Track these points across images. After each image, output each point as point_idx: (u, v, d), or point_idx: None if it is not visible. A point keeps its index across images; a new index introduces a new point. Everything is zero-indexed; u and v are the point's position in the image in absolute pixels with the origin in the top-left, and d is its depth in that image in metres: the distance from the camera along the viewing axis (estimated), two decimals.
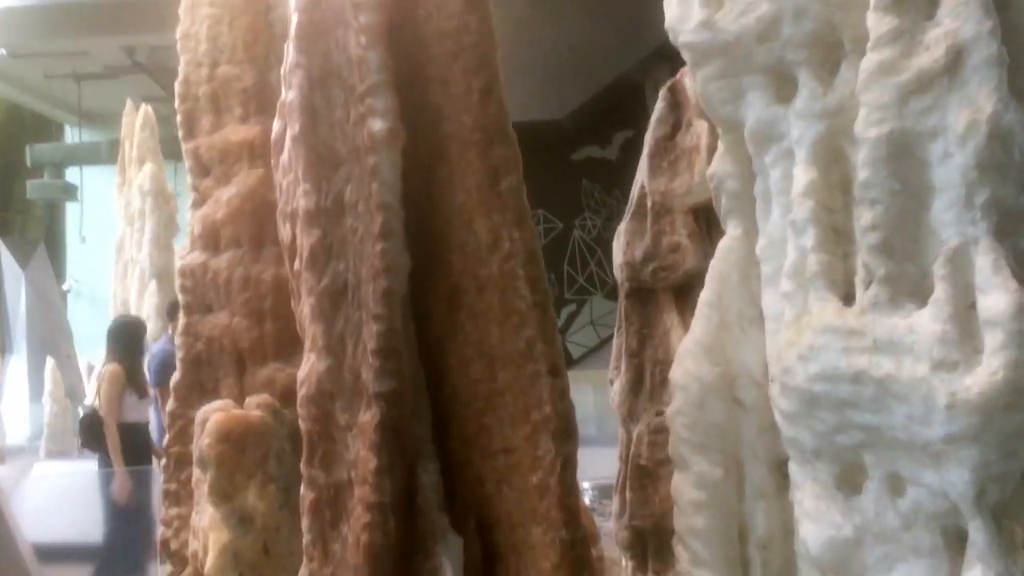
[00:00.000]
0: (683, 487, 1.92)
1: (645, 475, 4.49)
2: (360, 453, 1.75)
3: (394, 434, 1.74)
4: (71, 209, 14.93)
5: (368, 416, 1.75)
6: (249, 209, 3.85)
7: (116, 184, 10.49)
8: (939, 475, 1.62)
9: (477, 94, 1.83)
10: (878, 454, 1.70)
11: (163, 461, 3.97)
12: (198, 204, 4.01)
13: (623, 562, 4.60)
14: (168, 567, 3.90)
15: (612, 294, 10.63)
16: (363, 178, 1.80)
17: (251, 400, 3.56)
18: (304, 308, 1.84)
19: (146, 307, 9.46)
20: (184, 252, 3.96)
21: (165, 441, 3.97)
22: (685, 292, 4.65)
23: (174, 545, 3.88)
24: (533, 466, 1.79)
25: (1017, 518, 1.66)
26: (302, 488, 1.81)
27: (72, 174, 14.17)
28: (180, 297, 3.92)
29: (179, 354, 3.92)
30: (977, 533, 1.59)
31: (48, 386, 9.36)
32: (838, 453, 1.76)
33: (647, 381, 4.63)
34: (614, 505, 4.67)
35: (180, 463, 3.90)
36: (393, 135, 1.77)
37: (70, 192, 13.91)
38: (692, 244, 4.56)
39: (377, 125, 1.77)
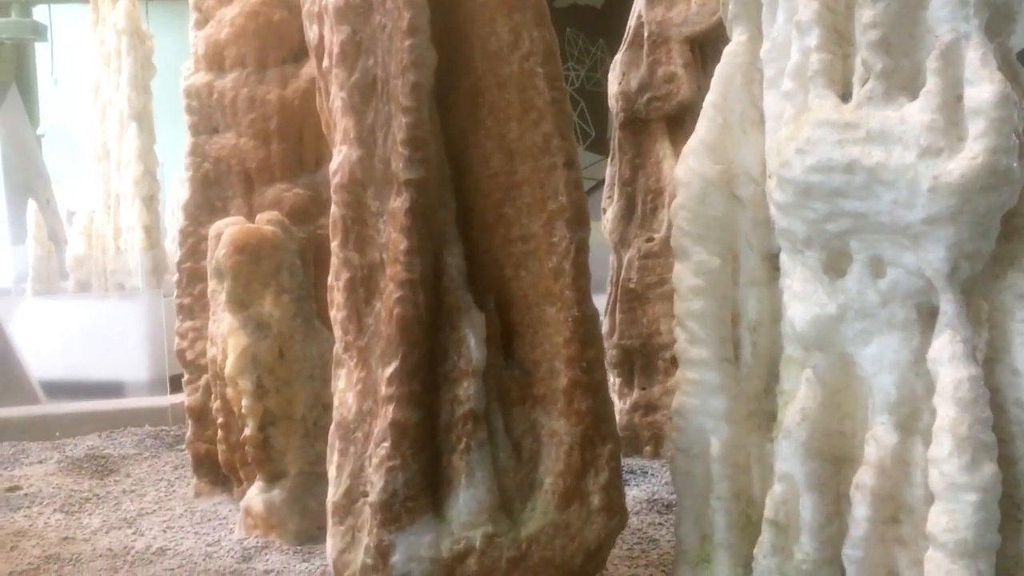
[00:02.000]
0: (683, 274, 2.09)
1: (634, 298, 4.74)
2: (391, 236, 1.90)
3: (422, 218, 1.90)
4: (41, 50, 14.55)
5: (398, 202, 1.89)
6: (252, 29, 3.88)
7: (89, 22, 10.23)
8: (917, 256, 1.80)
9: None
10: (863, 239, 1.88)
11: (175, 277, 4.14)
12: (201, 24, 4.03)
13: (611, 379, 4.89)
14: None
15: (595, 146, 10.67)
16: None
17: (262, 216, 3.70)
18: (335, 103, 1.95)
19: (126, 151, 9.37)
20: (188, 73, 4.01)
21: (178, 258, 4.13)
22: (678, 122, 4.79)
23: (190, 355, 4.10)
24: (549, 251, 1.95)
25: (983, 295, 1.86)
26: (336, 269, 1.98)
27: (40, 13, 13.74)
28: (186, 117, 4.00)
29: (188, 173, 4.04)
30: (948, 305, 1.79)
31: (32, 229, 9.40)
32: (827, 240, 1.93)
33: (639, 208, 4.83)
34: (604, 326, 4.91)
35: (192, 278, 4.07)
36: None
37: (39, 32, 13.52)
38: (687, 74, 4.66)
39: None
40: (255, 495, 3.58)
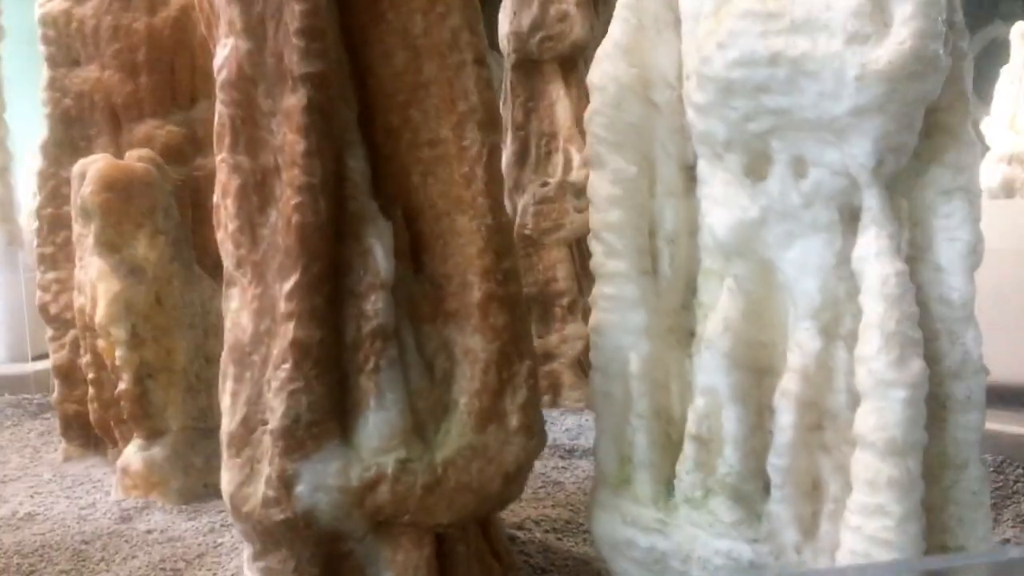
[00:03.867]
0: (599, 184, 1.99)
1: (530, 244, 4.64)
2: (287, 137, 1.73)
3: (321, 117, 1.73)
4: None
5: (294, 99, 1.72)
6: None
7: None
8: (841, 151, 1.75)
9: None
10: (785, 138, 1.81)
11: (35, 225, 3.81)
12: None
13: None
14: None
15: None
16: None
17: (132, 153, 3.43)
18: None
19: None
20: (43, 0, 3.66)
21: (36, 204, 3.80)
22: (571, 64, 4.70)
23: (54, 309, 3.79)
24: (459, 156, 1.82)
25: (904, 194, 1.82)
26: (225, 177, 1.79)
27: None
28: (43, 48, 3.66)
29: (45, 110, 3.70)
30: (872, 200, 1.74)
31: None
32: (747, 142, 1.86)
33: (532, 153, 4.72)
34: None
35: (54, 225, 3.76)
36: None
37: None
38: (580, 13, 4.57)
39: None
40: (133, 453, 3.33)
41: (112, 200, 3.16)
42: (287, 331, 1.75)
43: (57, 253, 3.76)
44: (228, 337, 1.84)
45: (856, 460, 1.73)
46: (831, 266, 1.83)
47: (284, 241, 1.75)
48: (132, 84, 3.62)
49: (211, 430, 3.49)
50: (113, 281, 3.18)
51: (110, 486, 3.43)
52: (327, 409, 1.77)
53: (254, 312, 1.80)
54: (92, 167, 3.19)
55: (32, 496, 3.39)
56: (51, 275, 3.77)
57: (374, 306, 1.78)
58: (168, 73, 3.66)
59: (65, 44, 3.64)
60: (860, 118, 1.68)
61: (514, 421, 1.86)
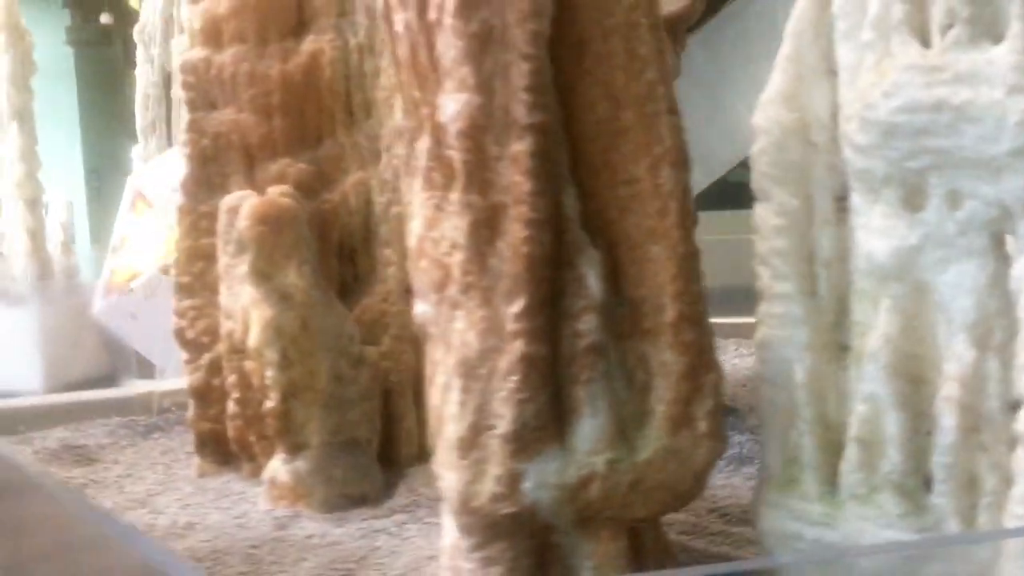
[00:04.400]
0: (766, 215, 2.25)
1: None
2: (514, 179, 2.00)
3: (544, 161, 2.00)
4: None
5: (522, 145, 1.99)
6: (252, 3, 3.87)
7: None
8: (996, 187, 2.00)
9: None
10: (943, 175, 2.07)
11: (174, 257, 4.10)
12: None
13: None
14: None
15: None
16: None
17: (274, 189, 3.71)
18: (446, 53, 2.03)
19: (8, 150, 8.85)
20: (184, 48, 3.97)
21: (177, 236, 4.09)
22: None
23: (190, 334, 4.07)
24: (654, 193, 2.08)
25: None
26: (455, 214, 2.06)
27: None
28: (184, 94, 3.96)
29: (186, 151, 4.00)
30: None
31: None
32: (905, 178, 2.12)
33: None
34: None
35: (192, 256, 4.04)
36: None
37: None
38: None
39: None
40: (280, 466, 3.59)
41: (265, 233, 3.44)
42: (515, 348, 2.00)
43: (194, 282, 4.04)
44: (455, 354, 2.10)
45: (1017, 456, 1.97)
46: (984, 286, 2.07)
47: (511, 269, 2.01)
48: (266, 125, 3.91)
49: (345, 444, 3.75)
50: (265, 308, 3.45)
51: (254, 498, 3.69)
52: (548, 416, 2.03)
53: (481, 332, 2.06)
54: (247, 203, 3.47)
55: (183, 508, 3.65)
56: (188, 302, 4.06)
57: (587, 326, 2.04)
58: (299, 115, 3.95)
59: (204, 89, 3.94)
60: (1017, 158, 1.93)
61: (702, 427, 2.11)
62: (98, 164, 15.47)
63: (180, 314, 4.07)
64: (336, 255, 4.03)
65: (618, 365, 2.09)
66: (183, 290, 4.06)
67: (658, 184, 2.07)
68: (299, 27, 3.94)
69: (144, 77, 12.03)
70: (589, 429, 2.04)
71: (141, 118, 12.09)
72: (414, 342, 4.37)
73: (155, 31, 9.49)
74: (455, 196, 2.08)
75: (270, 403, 3.56)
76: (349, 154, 4.01)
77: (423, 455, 4.51)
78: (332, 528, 3.36)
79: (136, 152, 10.09)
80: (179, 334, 4.08)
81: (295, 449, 3.60)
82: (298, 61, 3.89)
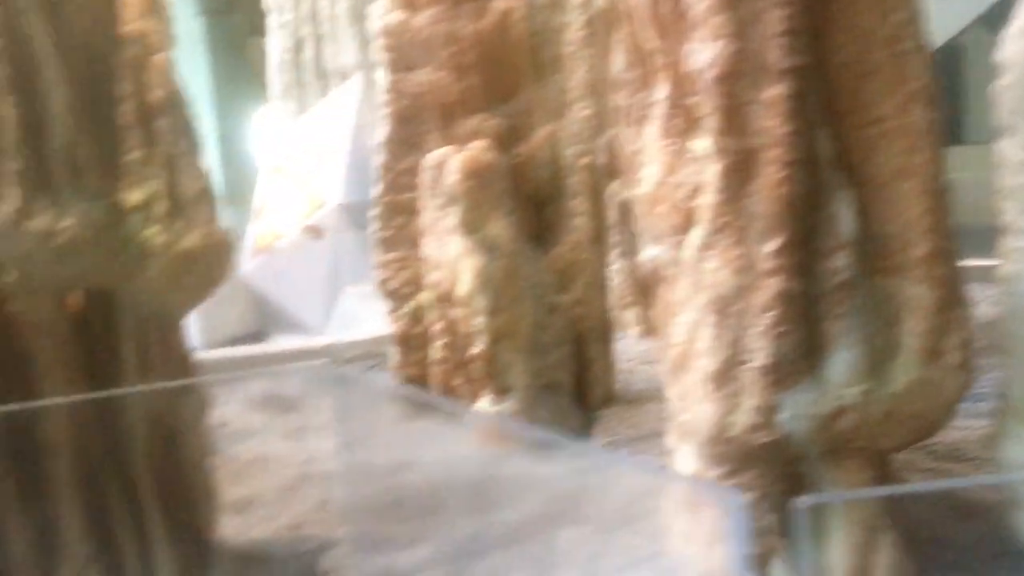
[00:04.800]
0: (1011, 150, 2.26)
1: None
2: (770, 122, 2.07)
3: (800, 103, 2.06)
4: None
5: (778, 89, 2.06)
6: None
7: None
8: None
9: None
10: None
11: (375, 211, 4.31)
12: None
13: None
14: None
15: None
16: None
17: (475, 145, 3.87)
18: (700, 4, 2.11)
19: None
20: (383, 12, 4.15)
21: (376, 192, 4.30)
22: None
23: (393, 285, 4.29)
24: (903, 131, 2.12)
25: None
26: (710, 157, 2.15)
27: None
28: (384, 56, 4.15)
29: (386, 110, 4.20)
30: None
31: None
32: None
33: None
34: None
35: (392, 212, 4.25)
36: None
37: None
38: None
39: None
40: (488, 408, 3.79)
41: (474, 187, 3.61)
42: (771, 284, 2.09)
43: (395, 236, 4.25)
44: (707, 292, 2.20)
45: None
46: None
47: (767, 209, 2.09)
48: (462, 84, 4.06)
49: (546, 387, 3.93)
50: (475, 257, 3.63)
51: (456, 440, 3.90)
52: (803, 350, 2.11)
53: (735, 270, 2.16)
54: (454, 158, 3.64)
55: (395, 448, 3.89)
56: (391, 255, 4.27)
57: (840, 263, 2.11)
58: (491, 72, 4.08)
59: (402, 51, 4.12)
60: None
61: (953, 359, 2.16)
62: (229, 130, 16.15)
63: (382, 267, 4.29)
64: (527, 206, 4.17)
65: (868, 300, 2.15)
66: (384, 244, 4.27)
67: (908, 122, 2.11)
68: None
69: (276, 43, 12.45)
70: (842, 362, 2.12)
71: (275, 84, 12.56)
72: (602, 289, 4.51)
73: None
74: (701, 142, 2.17)
75: (478, 348, 3.74)
76: (539, 108, 4.13)
77: (612, 398, 4.67)
78: (541, 467, 3.53)
79: (267, 117, 10.47)
80: (382, 285, 4.30)
81: (501, 392, 3.78)
82: (490, 19, 4.02)
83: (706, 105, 2.16)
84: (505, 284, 3.66)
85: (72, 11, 2.27)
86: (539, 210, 4.24)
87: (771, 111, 2.07)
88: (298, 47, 14.79)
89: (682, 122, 2.35)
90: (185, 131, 2.29)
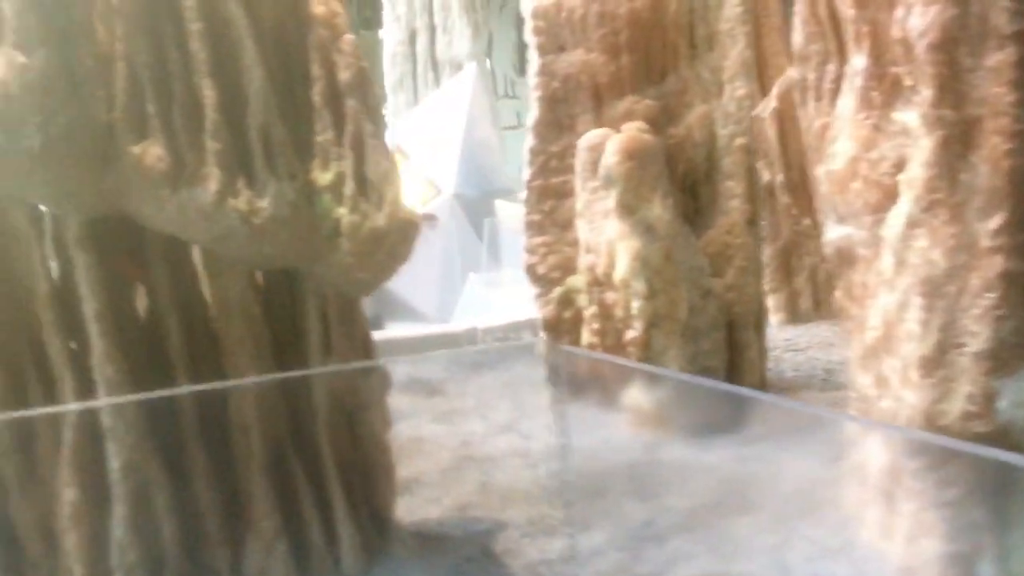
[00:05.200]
0: None
1: None
2: (994, 90, 1.94)
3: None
4: None
5: (1002, 55, 1.93)
6: None
7: None
8: None
9: None
10: None
11: (523, 195, 4.30)
12: None
13: None
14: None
15: None
16: None
17: (630, 126, 3.80)
18: None
19: None
20: None
21: (526, 176, 4.29)
22: None
23: (541, 269, 4.27)
24: None
25: None
26: (924, 128, 2.03)
27: None
28: (533, 39, 4.12)
29: (536, 93, 4.17)
30: None
31: None
32: None
33: None
34: None
35: (542, 195, 4.23)
36: None
37: None
38: None
39: None
40: (641, 394, 3.73)
41: (633, 168, 3.55)
42: (992, 264, 1.97)
43: (544, 220, 4.23)
44: (914, 272, 2.09)
45: None
46: None
47: (988, 183, 1.97)
48: (614, 64, 4.00)
49: (700, 372, 3.84)
50: (633, 240, 3.57)
51: (612, 424, 3.86)
52: None
53: (949, 249, 2.04)
54: (612, 139, 3.59)
55: (548, 433, 3.87)
56: (539, 239, 4.25)
57: None
58: (644, 52, 4.01)
59: (554, 33, 4.08)
60: None
61: None
62: None
63: (531, 251, 4.27)
64: (681, 188, 4.08)
65: None
66: (533, 227, 4.25)
67: None
68: None
69: (391, 35, 12.52)
70: None
71: (389, 75, 12.65)
72: (757, 274, 4.39)
73: None
74: (908, 113, 2.06)
75: (633, 332, 3.69)
76: (693, 88, 4.04)
77: (765, 385, 4.54)
78: (701, 454, 3.45)
79: (384, 108, 10.61)
80: (530, 270, 4.29)
81: (656, 377, 3.72)
82: None
83: (917, 74, 2.04)
84: (663, 267, 3.59)
85: None
86: (692, 192, 4.15)
87: (996, 78, 1.94)
88: (412, 39, 14.97)
89: (884, 93, 2.24)
90: (372, 112, 2.29)
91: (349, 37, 2.33)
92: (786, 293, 5.96)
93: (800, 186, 6.14)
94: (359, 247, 2.27)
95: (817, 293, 5.97)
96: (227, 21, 2.20)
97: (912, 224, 2.12)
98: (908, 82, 2.16)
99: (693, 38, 4.04)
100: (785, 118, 5.92)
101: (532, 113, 4.20)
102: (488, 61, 13.82)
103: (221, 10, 2.19)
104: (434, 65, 14.94)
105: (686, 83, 4.05)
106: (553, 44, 4.10)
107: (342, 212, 2.28)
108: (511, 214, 8.67)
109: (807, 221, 5.98)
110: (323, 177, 2.29)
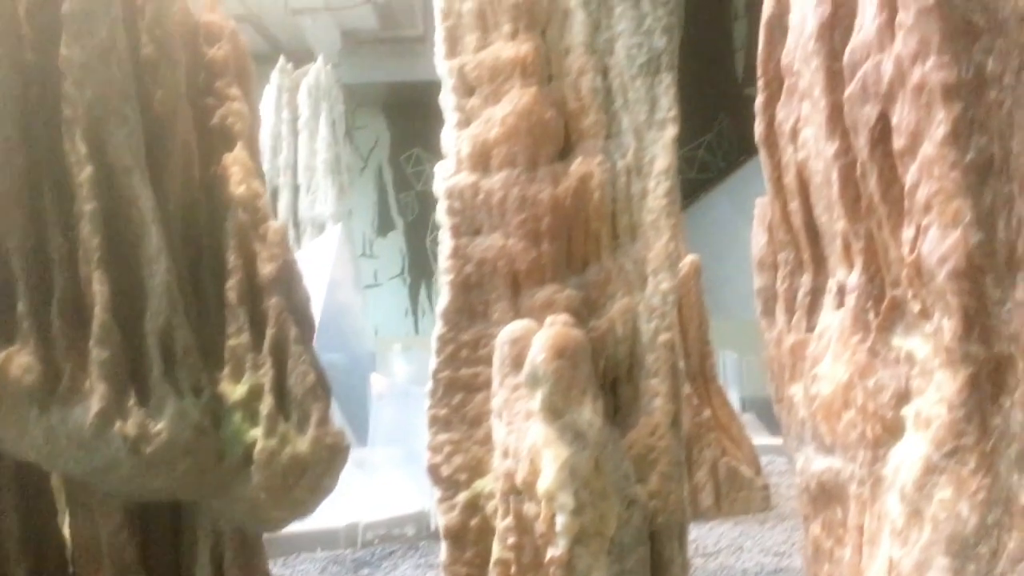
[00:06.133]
0: None
1: None
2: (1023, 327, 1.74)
3: None
4: None
5: None
6: (525, 128, 3.76)
7: None
8: None
9: None
10: None
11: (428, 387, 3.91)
12: (463, 124, 3.91)
13: None
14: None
15: None
16: (1010, 50, 1.77)
17: (557, 319, 3.51)
18: (934, 185, 1.81)
19: None
20: (448, 173, 3.86)
21: (432, 366, 3.91)
22: None
23: (445, 470, 3.84)
24: None
25: None
26: (953, 365, 1.80)
27: None
28: (447, 219, 3.84)
29: (447, 277, 3.85)
30: None
31: None
32: None
33: None
34: None
35: (450, 388, 3.85)
36: None
37: None
38: None
39: None
40: None
41: (563, 367, 3.23)
42: None
43: (451, 415, 3.83)
44: (937, 527, 1.81)
45: None
46: None
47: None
48: (535, 251, 3.74)
49: None
50: (560, 447, 3.22)
51: None
52: None
53: (980, 503, 1.77)
54: (541, 334, 3.28)
55: None
56: (444, 436, 3.84)
57: None
58: (566, 239, 3.78)
59: (470, 215, 3.82)
60: None
61: None
62: None
63: (435, 449, 3.85)
64: (600, 385, 3.79)
65: None
66: (438, 423, 3.84)
67: None
68: (567, 149, 3.82)
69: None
70: None
71: None
72: (681, 479, 4.08)
73: None
74: (917, 341, 1.83)
75: (556, 551, 3.28)
76: (615, 279, 3.81)
77: None
78: None
79: None
80: (433, 471, 3.85)
81: None
82: (568, 184, 3.75)
83: (936, 302, 1.83)
84: (592, 479, 3.24)
85: (175, 169, 1.91)
86: (613, 389, 3.86)
87: (1022, 314, 1.73)
88: (274, 196, 14.80)
89: (882, 315, 2.02)
90: (299, 312, 1.91)
91: (275, 225, 1.96)
92: (687, 488, 5.70)
93: (700, 375, 5.98)
94: (274, 480, 1.83)
95: (718, 488, 5.72)
96: (129, 201, 1.79)
97: (931, 470, 1.85)
98: (915, 307, 1.94)
99: (616, 228, 3.84)
100: (685, 304, 5.81)
101: (442, 298, 3.87)
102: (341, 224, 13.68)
103: (123, 187, 1.79)
104: (296, 224, 14.82)
105: (609, 274, 3.82)
106: (469, 226, 3.83)
107: (255, 435, 1.84)
108: (383, 386, 8.24)
109: (707, 412, 5.80)
110: (235, 391, 1.86)
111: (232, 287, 1.90)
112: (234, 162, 1.99)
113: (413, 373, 8.60)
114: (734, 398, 9.23)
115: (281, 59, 14.77)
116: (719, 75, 18.45)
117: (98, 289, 1.72)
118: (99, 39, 1.68)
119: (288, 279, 1.94)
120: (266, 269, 1.93)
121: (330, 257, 9.67)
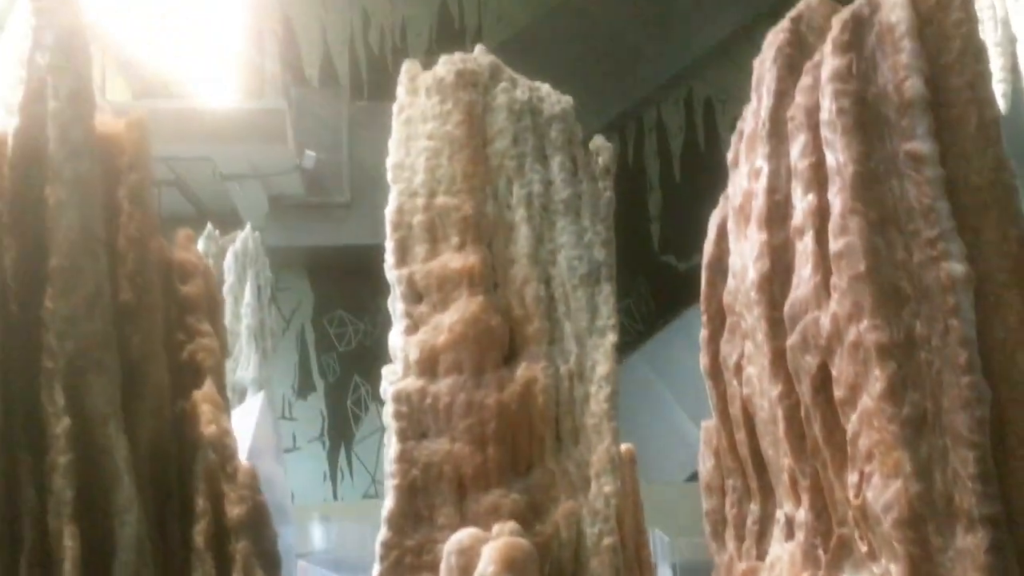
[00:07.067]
0: None
1: None
2: (969, 574, 1.84)
3: (1001, 555, 1.85)
4: None
5: (973, 539, 1.85)
6: (472, 335, 3.87)
7: None
8: None
9: (1014, 243, 2.03)
10: None
11: None
12: (411, 330, 4.00)
13: None
14: None
15: None
16: (936, 315, 1.95)
17: (503, 527, 3.53)
18: (881, 436, 1.95)
19: None
20: (395, 378, 3.92)
21: (376, 573, 3.84)
22: None
23: None
24: None
25: None
26: None
27: None
28: (394, 423, 3.87)
29: (393, 481, 3.85)
30: None
31: None
32: None
33: None
34: None
35: None
36: (968, 277, 1.95)
37: None
38: None
39: (956, 268, 1.95)
40: None
41: None
42: None
43: None
44: None
45: None
46: None
47: None
48: (480, 455, 3.79)
49: None
50: None
51: None
52: None
53: None
54: (490, 546, 3.28)
55: None
56: None
57: None
58: (511, 444, 3.84)
59: (416, 419, 3.86)
60: None
61: None
62: None
63: None
64: None
65: None
66: None
67: None
68: (511, 355, 3.93)
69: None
70: None
71: None
72: None
73: None
74: None
75: None
76: (559, 482, 3.86)
77: None
78: None
79: None
80: None
81: None
82: (513, 390, 3.84)
83: (882, 547, 1.93)
84: None
85: (147, 412, 1.95)
86: None
87: (970, 562, 1.85)
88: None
89: (831, 553, 2.11)
90: (266, 557, 1.92)
91: (245, 465, 1.99)
92: None
93: (636, 562, 5.96)
94: None
95: None
96: (103, 450, 1.81)
97: None
98: (863, 547, 2.04)
99: (559, 431, 3.93)
100: (621, 492, 5.84)
101: (387, 503, 3.85)
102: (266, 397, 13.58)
103: (98, 436, 1.81)
104: None
105: (553, 477, 3.87)
106: (415, 430, 3.86)
107: None
108: None
109: None
110: None
111: (200, 531, 1.91)
112: (204, 399, 2.03)
113: (333, 543, 8.35)
114: (666, 571, 9.15)
115: (209, 226, 14.90)
116: (636, 243, 19.28)
117: (69, 544, 1.71)
118: (86, 292, 1.75)
119: (256, 522, 1.95)
120: (234, 512, 1.94)
121: (250, 428, 9.53)
